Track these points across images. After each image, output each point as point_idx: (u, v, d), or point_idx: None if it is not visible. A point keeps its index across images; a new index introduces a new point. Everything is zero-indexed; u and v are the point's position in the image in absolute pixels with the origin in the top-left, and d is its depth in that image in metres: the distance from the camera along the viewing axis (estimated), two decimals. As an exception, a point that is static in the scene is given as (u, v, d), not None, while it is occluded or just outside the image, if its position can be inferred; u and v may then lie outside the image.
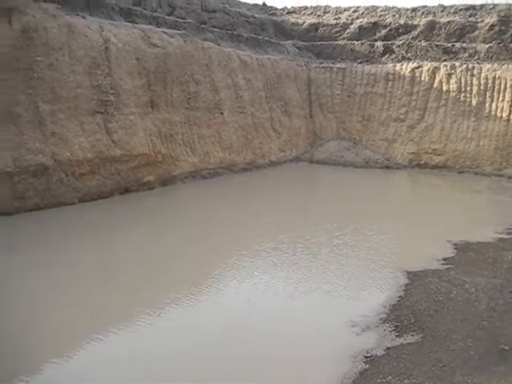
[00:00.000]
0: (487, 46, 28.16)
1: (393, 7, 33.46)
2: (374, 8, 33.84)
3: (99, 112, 17.86)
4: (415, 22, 31.64)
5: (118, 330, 8.40)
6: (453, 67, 27.46)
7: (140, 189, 18.77)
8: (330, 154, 29.38)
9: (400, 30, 31.85)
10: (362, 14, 33.66)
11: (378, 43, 31.19)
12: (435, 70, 27.94)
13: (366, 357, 7.72)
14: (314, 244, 13.65)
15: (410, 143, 28.11)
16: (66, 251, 12.12)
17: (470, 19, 30.01)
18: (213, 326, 8.77)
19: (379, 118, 29.40)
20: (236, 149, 24.84)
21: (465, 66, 27.26)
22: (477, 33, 29.47)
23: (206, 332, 8.54)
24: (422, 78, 28.21)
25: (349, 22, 33.49)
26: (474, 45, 28.77)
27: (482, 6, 30.64)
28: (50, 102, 16.15)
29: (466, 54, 28.49)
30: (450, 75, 27.45)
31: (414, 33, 31.19)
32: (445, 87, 27.54)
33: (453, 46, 29.14)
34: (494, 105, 26.32)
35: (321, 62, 31.66)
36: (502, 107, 26.03)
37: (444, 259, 12.44)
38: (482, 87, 26.63)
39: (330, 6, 35.35)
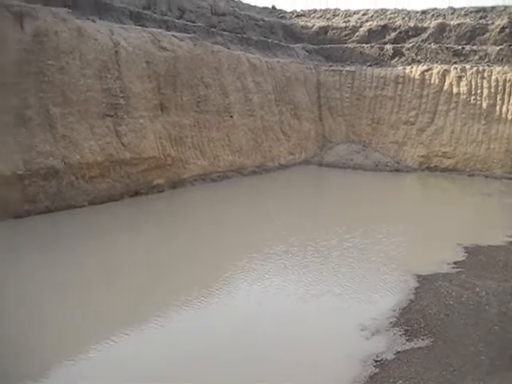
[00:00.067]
0: (498, 48, 27.98)
1: (402, 10, 33.31)
2: (384, 11, 33.73)
3: (109, 115, 17.95)
4: (425, 25, 31.49)
5: (127, 332, 8.42)
6: (463, 70, 27.33)
7: (150, 192, 18.82)
8: (340, 157, 29.32)
9: (410, 33, 31.70)
10: (372, 16, 33.57)
11: (388, 46, 31.10)
12: (445, 73, 27.82)
13: (376, 361, 7.69)
14: (324, 247, 13.63)
15: (420, 146, 27.99)
16: (75, 253, 12.18)
17: (481, 21, 29.83)
18: (223, 329, 8.77)
19: (389, 121, 29.30)
20: (245, 152, 24.86)
21: (475, 68, 27.12)
22: (487, 35, 29.28)
23: (216, 334, 8.54)
24: (432, 81, 28.10)
25: (358, 24, 33.40)
26: (484, 47, 28.59)
27: (492, 8, 30.41)
28: (61, 105, 16.25)
29: (477, 57, 28.33)
30: (460, 78, 27.31)
31: (424, 35, 31.04)
32: (455, 90, 27.41)
33: (463, 48, 28.98)
34: (504, 107, 26.15)
35: (330, 65, 31.63)
36: (513, 110, 25.90)
37: (454, 263, 12.37)
38: (492, 90, 26.48)
39: (339, 9, 35.27)
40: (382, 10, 33.89)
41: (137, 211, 16.79)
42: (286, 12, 36.70)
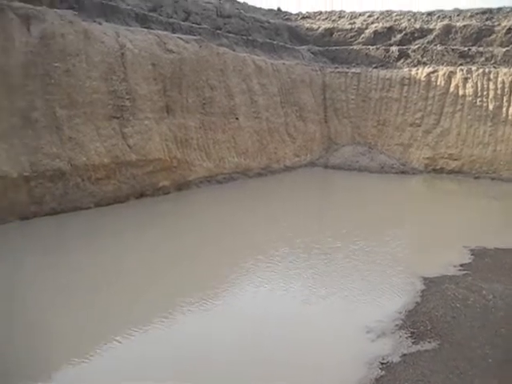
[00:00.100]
0: (504, 49, 27.89)
1: (408, 11, 33.27)
2: (389, 12, 33.70)
3: (115, 117, 17.99)
4: (431, 27, 31.44)
5: (132, 333, 8.41)
6: (469, 71, 27.26)
7: (155, 193, 18.85)
8: (345, 158, 29.30)
9: (415, 35, 31.67)
10: (377, 18, 33.54)
11: (394, 48, 31.07)
12: (451, 75, 27.76)
13: (382, 363, 7.66)
14: (329, 249, 13.61)
15: (426, 148, 27.94)
16: (81, 255, 12.23)
17: (487, 23, 29.76)
18: (229, 330, 8.76)
19: (394, 123, 29.27)
20: (251, 154, 24.87)
21: (481, 70, 27.04)
22: (493, 36, 29.22)
23: (222, 336, 8.53)
24: (438, 83, 28.05)
25: (364, 26, 33.39)
26: (490, 49, 28.52)
27: (498, 9, 30.29)
28: (67, 107, 16.31)
29: (483, 58, 28.26)
30: (466, 79, 27.25)
31: (430, 37, 31.01)
32: (461, 92, 27.34)
33: (469, 50, 28.91)
34: (510, 109, 26.03)
35: (336, 67, 31.62)
36: (520, 112, 25.81)
37: (461, 265, 12.32)
38: (498, 91, 26.40)
39: (344, 11, 35.26)
40: (387, 11, 33.86)
41: (142, 213, 16.81)
42: (291, 14, 36.70)
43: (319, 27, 34.47)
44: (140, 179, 18.38)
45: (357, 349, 8.16)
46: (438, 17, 31.76)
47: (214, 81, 23.07)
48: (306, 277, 11.49)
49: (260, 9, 34.86)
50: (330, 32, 34.05)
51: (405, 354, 7.88)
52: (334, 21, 34.76)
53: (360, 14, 34.45)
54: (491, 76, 26.68)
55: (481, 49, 28.79)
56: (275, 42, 30.69)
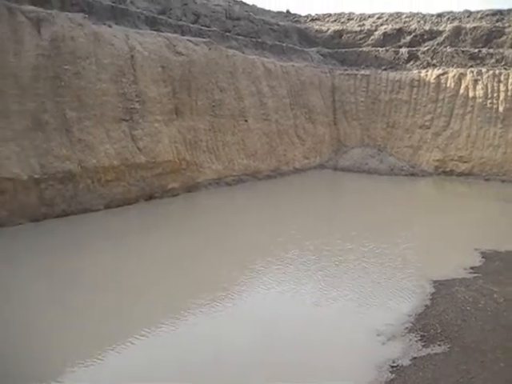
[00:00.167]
0: (514, 51, 27.79)
1: (417, 13, 33.20)
2: (399, 14, 33.63)
3: (125, 119, 18.06)
4: (440, 28, 31.34)
5: (141, 336, 8.42)
6: (479, 73, 27.12)
7: (164, 195, 18.89)
8: (355, 161, 29.24)
9: (425, 36, 31.58)
10: (387, 20, 33.48)
11: (403, 50, 31.00)
12: (461, 77, 27.63)
13: (392, 366, 7.61)
14: (339, 251, 13.56)
15: (436, 150, 27.82)
16: (91, 256, 12.27)
17: (497, 24, 29.61)
18: (240, 332, 8.76)
19: (404, 125, 29.18)
20: (260, 156, 24.88)
21: (491, 71, 26.90)
22: (504, 38, 29.07)
23: (233, 338, 8.53)
24: (448, 85, 27.93)
25: (373, 28, 33.33)
26: (500, 50, 28.39)
27: (508, 10, 30.16)
28: (77, 109, 16.40)
29: (493, 60, 28.12)
30: (476, 81, 27.11)
31: (440, 39, 30.89)
32: (471, 93, 27.21)
33: (479, 51, 28.78)
34: (521, 111, 25.94)
35: (345, 69, 31.60)
36: (530, 113, 25.66)
37: (471, 268, 12.24)
38: (509, 93, 26.24)
39: (354, 13, 35.25)
40: (397, 13, 33.79)
41: (152, 215, 16.85)
42: (300, 16, 36.72)
43: (328, 29, 34.44)
44: (149, 181, 18.43)
45: (367, 351, 8.12)
46: (448, 18, 31.65)
47: (224, 83, 23.11)
48: (317, 279, 11.46)
49: (269, 11, 34.93)
50: (339, 34, 34.02)
51: (415, 358, 7.83)
52: (343, 23, 34.73)
53: (369, 16, 34.41)
54: (501, 78, 26.54)
55: (491, 50, 28.65)
56: (284, 44, 30.70)
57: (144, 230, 15.16)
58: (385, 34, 32.61)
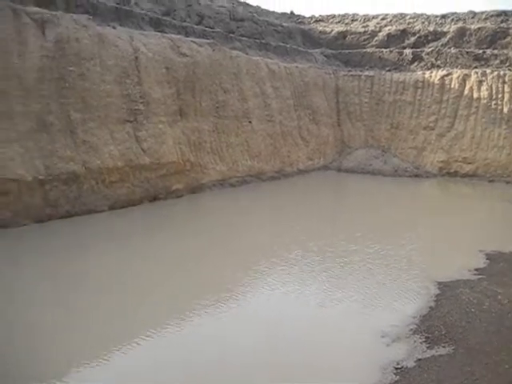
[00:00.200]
0: (519, 52, 27.73)
1: (422, 14, 33.16)
2: (403, 15, 33.60)
3: (129, 121, 18.09)
4: (445, 29, 31.29)
5: (146, 337, 8.42)
6: (483, 74, 27.08)
7: (168, 197, 18.91)
8: (359, 162, 29.22)
9: (429, 37, 31.53)
10: (391, 21, 33.45)
11: (407, 51, 30.97)
12: (465, 78, 27.59)
13: (397, 368, 7.60)
14: (343, 252, 13.55)
15: (440, 151, 27.77)
16: (94, 257, 12.29)
17: (502, 25, 29.55)
18: (244, 333, 8.77)
19: (408, 126, 29.15)
20: (264, 157, 24.88)
21: (496, 72, 26.85)
22: (508, 39, 29.00)
23: (237, 339, 8.54)
24: (452, 86, 27.89)
25: (377, 29, 33.31)
26: (505, 51, 28.32)
27: (513, 11, 30.14)
28: (81, 110, 16.43)
29: (498, 61, 28.06)
30: (480, 82, 27.06)
31: (444, 40, 30.84)
32: (475, 95, 27.16)
33: (483, 52, 28.73)
34: (526, 112, 25.88)
35: (349, 70, 31.59)
36: (535, 115, 25.59)
37: (476, 269, 12.21)
38: (513, 94, 26.21)
39: (357, 14, 35.24)
40: (400, 14, 33.75)
41: (156, 216, 16.87)
42: (304, 17, 36.74)
43: (332, 30, 34.43)
44: (153, 182, 18.45)
45: (372, 353, 8.12)
46: (452, 19, 31.60)
47: (228, 84, 23.13)
48: (321, 280, 11.45)
49: (273, 12, 34.93)
50: (343, 35, 34.01)
51: (419, 359, 7.82)
52: (347, 24, 34.72)
53: (373, 17, 34.39)
54: (506, 79, 26.49)
55: (495, 51, 28.60)
56: (288, 46, 30.71)
57: (148, 231, 15.18)
58: (389, 35, 32.58)
